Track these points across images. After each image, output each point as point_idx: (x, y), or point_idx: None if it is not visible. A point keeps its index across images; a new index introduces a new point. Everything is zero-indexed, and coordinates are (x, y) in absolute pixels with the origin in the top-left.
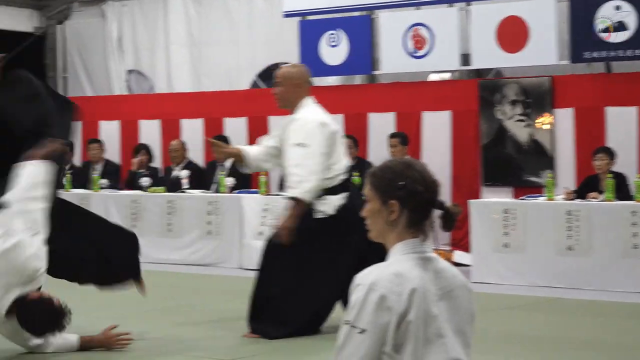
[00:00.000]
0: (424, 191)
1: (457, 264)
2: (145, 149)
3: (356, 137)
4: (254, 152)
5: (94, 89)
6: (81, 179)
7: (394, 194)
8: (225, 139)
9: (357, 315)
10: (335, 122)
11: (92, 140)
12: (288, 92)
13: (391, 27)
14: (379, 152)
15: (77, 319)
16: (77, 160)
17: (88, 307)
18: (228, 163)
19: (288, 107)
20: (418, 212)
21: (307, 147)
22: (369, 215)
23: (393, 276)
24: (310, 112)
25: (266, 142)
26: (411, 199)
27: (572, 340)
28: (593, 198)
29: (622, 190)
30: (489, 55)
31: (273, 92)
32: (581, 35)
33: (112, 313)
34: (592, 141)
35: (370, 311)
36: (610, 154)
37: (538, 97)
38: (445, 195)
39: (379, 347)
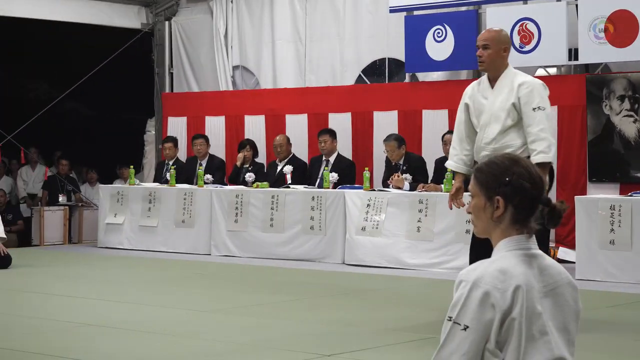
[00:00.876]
0: (529, 187)
1: (561, 261)
2: (249, 144)
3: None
4: (466, 161)
5: (200, 85)
6: (186, 174)
7: (499, 190)
8: (333, 133)
9: (460, 312)
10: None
11: (197, 135)
12: (497, 55)
13: (498, 22)
14: None
15: (179, 312)
16: (182, 155)
17: (192, 301)
18: (332, 158)
19: (491, 71)
20: (523, 208)
21: (544, 110)
22: (474, 211)
23: (497, 273)
24: (526, 76)
25: (459, 135)
26: (516, 195)
27: None
28: None
29: None
30: (597, 50)
31: (479, 55)
32: None
33: (216, 308)
34: None
35: (474, 308)
36: None
37: None
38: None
39: (481, 344)
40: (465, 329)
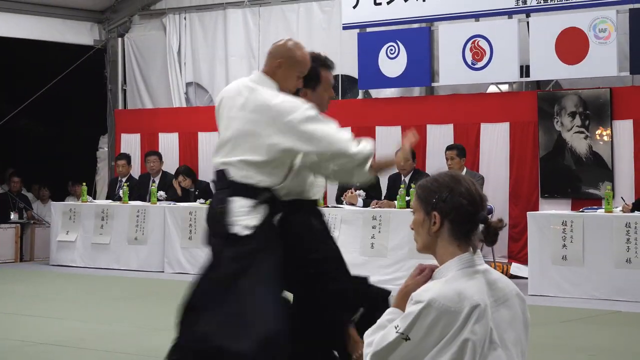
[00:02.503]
0: (466, 204)
1: (514, 277)
2: (183, 173)
3: (414, 149)
4: None
5: (153, 101)
6: (139, 191)
7: (437, 206)
8: None
9: (408, 326)
10: None
11: (150, 152)
12: (271, 71)
13: (450, 39)
14: (437, 164)
15: (131, 330)
16: (135, 172)
17: (144, 319)
18: None
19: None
20: (460, 225)
21: None
22: (415, 226)
23: (452, 294)
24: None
25: None
26: (453, 211)
27: (632, 353)
28: None
29: None
30: (548, 67)
31: None
32: None
33: (167, 325)
34: None
35: (423, 327)
36: None
37: (597, 108)
38: (504, 207)
39: (420, 356)
40: (407, 340)
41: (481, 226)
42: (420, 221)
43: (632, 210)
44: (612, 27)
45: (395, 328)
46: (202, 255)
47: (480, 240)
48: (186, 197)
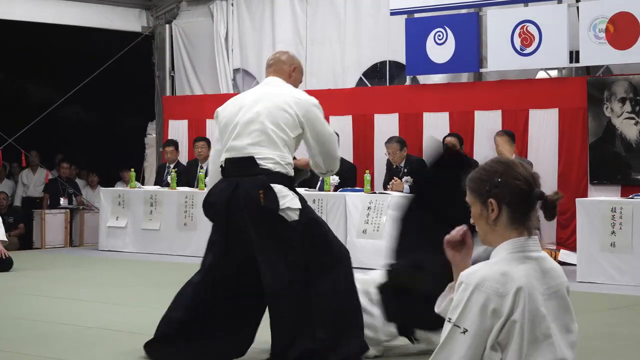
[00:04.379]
0: (520, 184)
1: (562, 263)
2: None
3: (462, 136)
4: None
5: (201, 88)
6: (187, 177)
7: (491, 193)
8: (336, 136)
9: (460, 315)
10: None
11: (199, 138)
12: None
13: (499, 24)
14: (485, 150)
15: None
16: (183, 158)
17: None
18: None
19: None
20: (517, 206)
21: None
22: (475, 220)
23: (499, 276)
24: None
25: None
26: (508, 193)
27: None
28: None
29: None
30: (598, 53)
31: None
32: None
33: None
34: None
35: (475, 312)
36: None
37: None
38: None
39: (480, 348)
40: (464, 332)
41: (539, 203)
42: (479, 213)
43: None
44: (612, 28)
45: (449, 320)
46: None
47: (536, 226)
48: None
